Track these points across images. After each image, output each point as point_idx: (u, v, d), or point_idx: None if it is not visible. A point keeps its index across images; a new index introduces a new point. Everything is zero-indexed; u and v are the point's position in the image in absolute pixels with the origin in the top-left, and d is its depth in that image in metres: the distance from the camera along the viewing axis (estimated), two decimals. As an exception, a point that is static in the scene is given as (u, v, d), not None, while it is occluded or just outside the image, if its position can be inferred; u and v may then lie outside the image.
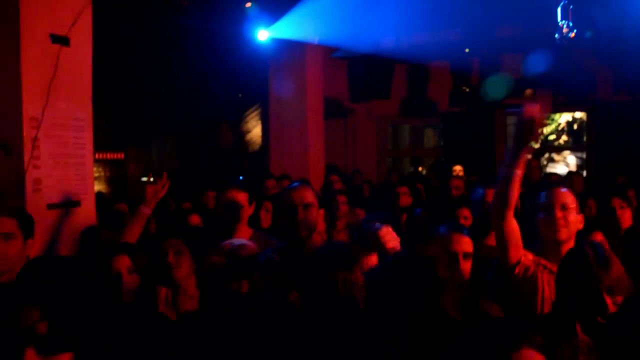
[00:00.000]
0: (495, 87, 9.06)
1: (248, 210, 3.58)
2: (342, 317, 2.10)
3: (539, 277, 2.67)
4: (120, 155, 11.28)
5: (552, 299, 2.52)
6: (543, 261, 2.71)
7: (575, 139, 14.70)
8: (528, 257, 2.71)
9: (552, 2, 4.93)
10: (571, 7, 4.79)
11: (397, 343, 1.74)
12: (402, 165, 12.50)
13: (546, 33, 5.13)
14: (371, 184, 8.00)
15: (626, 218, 4.13)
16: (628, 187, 5.29)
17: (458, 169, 8.31)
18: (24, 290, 1.37)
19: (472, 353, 1.34)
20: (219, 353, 1.86)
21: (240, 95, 11.18)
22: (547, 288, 2.65)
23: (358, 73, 9.89)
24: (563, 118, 14.98)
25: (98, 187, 8.39)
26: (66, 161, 3.62)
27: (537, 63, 8.77)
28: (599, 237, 3.30)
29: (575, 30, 4.66)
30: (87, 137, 3.79)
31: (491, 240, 3.44)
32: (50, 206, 3.49)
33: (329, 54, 9.06)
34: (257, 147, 11.88)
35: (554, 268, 2.52)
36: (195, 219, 4.75)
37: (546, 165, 13.41)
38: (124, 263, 2.83)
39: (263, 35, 7.84)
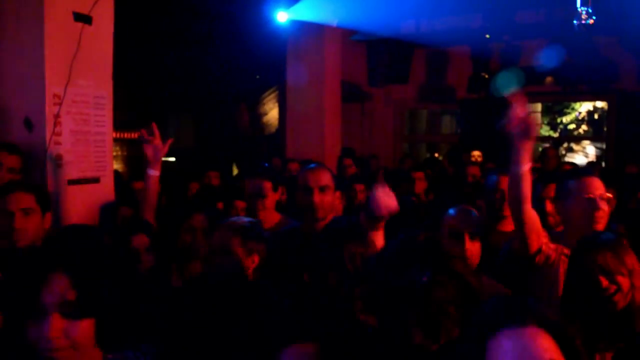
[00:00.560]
0: (506, 81, 8.97)
1: (274, 197, 3.59)
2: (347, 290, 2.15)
3: (560, 266, 2.67)
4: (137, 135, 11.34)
5: None
6: (566, 250, 2.69)
7: (595, 129, 14.53)
8: (550, 246, 2.71)
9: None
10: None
11: (402, 317, 1.77)
12: (418, 151, 12.45)
13: (568, 20, 5.07)
14: (387, 169, 8.00)
15: None
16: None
17: (477, 154, 8.25)
18: (52, 256, 1.41)
19: (476, 329, 1.35)
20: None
21: (258, 77, 11.18)
22: None
23: (377, 57, 9.83)
24: (584, 107, 14.79)
25: (115, 166, 8.48)
26: (86, 138, 3.68)
27: (558, 50, 8.66)
28: (621, 230, 3.27)
29: (594, 17, 4.60)
30: (107, 115, 3.84)
31: (504, 226, 3.45)
32: (71, 182, 3.56)
33: (348, 37, 9.02)
34: (273, 129, 11.90)
35: None
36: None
37: (565, 155, 13.27)
38: (142, 241, 2.88)
39: (282, 16, 7.82)
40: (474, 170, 5.36)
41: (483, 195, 3.74)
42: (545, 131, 14.22)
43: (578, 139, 14.82)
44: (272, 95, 11.98)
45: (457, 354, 1.40)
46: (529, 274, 2.71)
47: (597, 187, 2.77)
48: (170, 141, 3.48)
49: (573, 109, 14.95)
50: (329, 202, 2.96)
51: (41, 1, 3.34)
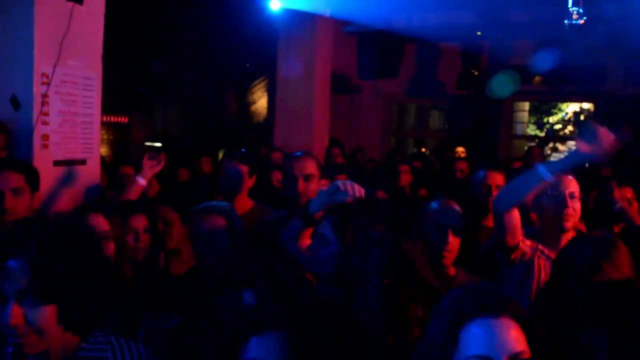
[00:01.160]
0: (502, 85, 9.04)
1: (248, 182, 3.59)
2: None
3: (535, 263, 2.70)
4: (125, 119, 11.26)
5: None
6: (542, 247, 2.74)
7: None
8: (526, 243, 2.73)
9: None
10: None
11: (379, 311, 1.79)
12: (405, 145, 12.49)
13: (558, 20, 5.10)
14: (375, 162, 8.02)
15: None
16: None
17: (460, 150, 8.30)
18: (11, 243, 1.41)
19: (449, 317, 1.36)
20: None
21: (248, 65, 11.12)
22: (543, 274, 2.68)
23: (368, 50, 9.81)
24: (570, 108, 14.92)
25: (101, 150, 8.42)
26: (74, 119, 3.65)
27: (548, 51, 8.71)
28: (629, 193, 3.28)
29: (585, 18, 4.63)
30: (96, 96, 3.80)
31: (489, 221, 3.48)
32: (57, 163, 3.52)
33: (340, 28, 8.99)
34: (261, 118, 11.86)
35: (552, 255, 2.56)
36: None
37: (550, 154, 13.38)
38: (141, 222, 2.89)
39: (275, 4, 7.78)
40: (462, 166, 5.38)
41: (470, 190, 3.77)
42: (532, 130, 14.33)
43: (564, 139, 14.95)
44: (262, 84, 11.93)
45: (428, 343, 1.40)
46: (505, 269, 2.75)
47: (568, 185, 2.79)
48: (164, 162, 3.64)
49: (560, 109, 15.08)
50: (313, 191, 2.96)
51: (32, -21, 3.29)
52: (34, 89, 3.34)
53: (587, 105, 13.36)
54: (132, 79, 10.12)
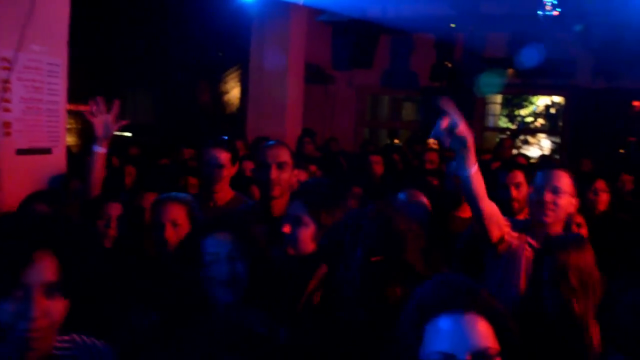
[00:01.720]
0: (489, 83, 9.12)
1: (230, 171, 3.50)
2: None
3: (522, 255, 2.70)
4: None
5: None
6: (530, 239, 2.74)
7: (552, 123, 14.85)
8: (512, 235, 2.74)
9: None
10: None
11: (362, 296, 1.77)
12: (379, 136, 12.50)
13: (532, 13, 5.12)
14: (346, 153, 8.00)
15: (603, 201, 4.14)
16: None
17: (432, 141, 8.32)
18: (38, 235, 1.38)
19: (416, 311, 1.34)
20: None
21: (221, 54, 10.98)
22: (529, 266, 2.64)
23: (342, 40, 9.76)
24: (541, 101, 15.09)
25: (69, 139, 8.22)
26: (38, 107, 3.53)
27: (521, 44, 8.77)
28: (578, 219, 3.33)
29: (559, 10, 4.65)
30: (62, 83, 3.70)
31: (462, 212, 3.49)
32: (20, 151, 3.41)
33: (314, 17, 8.92)
34: (234, 108, 11.73)
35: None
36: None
37: (520, 147, 13.53)
38: (116, 210, 2.89)
39: (248, -7, 7.68)
40: (432, 157, 5.39)
41: (442, 182, 3.77)
42: (504, 123, 14.46)
43: (534, 132, 15.14)
44: (235, 74, 11.80)
45: (395, 337, 1.37)
46: (491, 261, 2.74)
47: (552, 179, 2.77)
48: (123, 123, 3.37)
49: (531, 102, 15.24)
50: (286, 179, 2.93)
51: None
52: (-5, 74, 3.22)
53: (557, 99, 13.53)
54: (100, 66, 9.90)
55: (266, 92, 8.16)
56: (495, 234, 2.67)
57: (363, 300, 1.77)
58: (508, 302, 2.41)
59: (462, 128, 2.35)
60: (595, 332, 2.15)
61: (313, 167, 5.00)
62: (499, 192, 3.05)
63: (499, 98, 12.06)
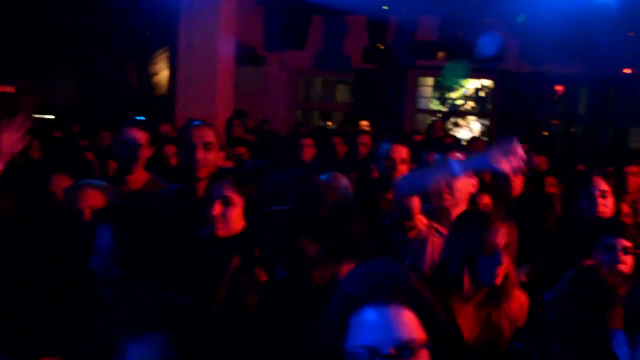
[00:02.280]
0: (455, 72, 9.25)
1: (146, 152, 3.33)
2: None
3: (429, 240, 2.83)
4: (11, 89, 10.50)
5: None
6: (436, 225, 2.87)
7: (481, 106, 15.22)
8: (422, 222, 2.86)
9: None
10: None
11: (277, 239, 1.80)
12: (311, 119, 12.45)
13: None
14: (278, 135, 7.90)
15: (517, 185, 4.20)
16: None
17: (364, 124, 8.35)
18: None
19: (340, 302, 1.29)
20: None
21: (148, 34, 10.61)
22: (436, 251, 2.76)
23: (274, 21, 9.64)
24: (471, 84, 15.43)
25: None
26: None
27: (451, 27, 8.90)
28: (485, 199, 3.42)
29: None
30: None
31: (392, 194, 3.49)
32: None
33: (245, -3, 8.74)
34: (164, 90, 11.39)
35: (445, 231, 2.65)
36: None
37: (451, 130, 13.82)
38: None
39: (175, -30, 7.40)
40: (365, 139, 5.37)
41: (374, 163, 3.75)
42: (435, 105, 14.69)
43: (464, 114, 15.49)
44: (164, 55, 11.44)
45: (318, 330, 1.32)
46: (401, 246, 2.85)
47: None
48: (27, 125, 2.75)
49: (461, 85, 15.56)
50: (212, 160, 2.85)
51: None
52: None
53: (487, 82, 13.85)
54: (21, 46, 9.35)
55: (195, 74, 7.93)
56: (409, 222, 2.83)
57: (279, 254, 1.80)
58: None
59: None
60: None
61: (242, 150, 4.89)
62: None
63: (430, 80, 12.24)
